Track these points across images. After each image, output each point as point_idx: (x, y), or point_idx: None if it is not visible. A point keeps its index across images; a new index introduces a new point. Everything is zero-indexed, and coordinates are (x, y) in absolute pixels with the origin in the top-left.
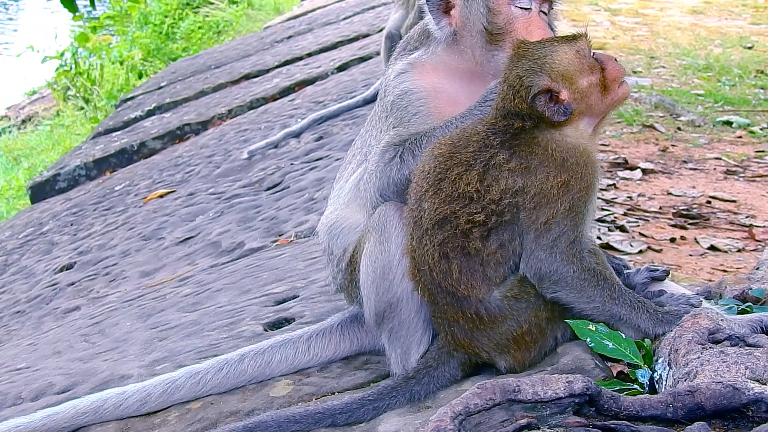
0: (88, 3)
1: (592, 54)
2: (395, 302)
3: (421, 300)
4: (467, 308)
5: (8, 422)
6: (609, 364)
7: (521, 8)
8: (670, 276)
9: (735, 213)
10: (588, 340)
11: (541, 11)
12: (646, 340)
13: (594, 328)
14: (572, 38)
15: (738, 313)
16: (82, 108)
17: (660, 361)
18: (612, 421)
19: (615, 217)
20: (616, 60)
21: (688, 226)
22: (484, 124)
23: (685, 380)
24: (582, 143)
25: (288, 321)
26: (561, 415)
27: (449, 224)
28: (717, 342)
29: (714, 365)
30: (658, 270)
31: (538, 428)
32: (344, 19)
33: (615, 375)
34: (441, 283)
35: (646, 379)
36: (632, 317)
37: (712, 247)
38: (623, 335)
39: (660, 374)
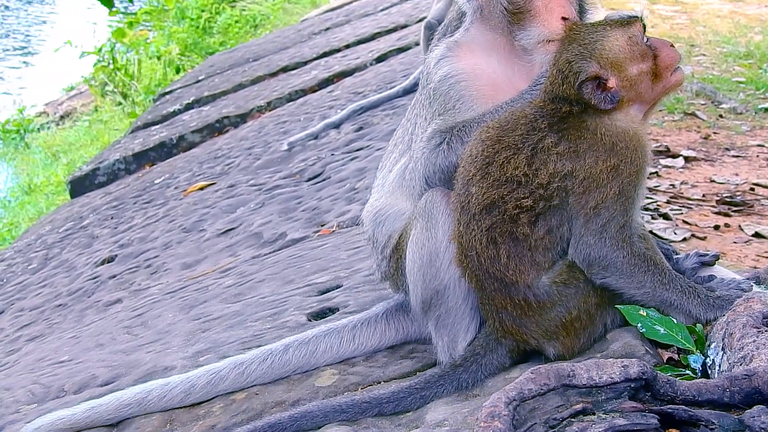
0: None
1: (645, 39)
2: (442, 289)
3: (469, 287)
4: (515, 294)
5: (51, 414)
6: (659, 350)
7: None
8: (719, 261)
9: None
10: (639, 325)
11: None
12: (697, 325)
13: (645, 314)
14: (626, 23)
15: None
16: (120, 103)
17: (713, 346)
18: (669, 406)
19: (658, 205)
20: (672, 45)
21: (732, 213)
22: (532, 108)
23: (741, 364)
24: (632, 127)
25: (332, 311)
26: (617, 400)
27: (497, 209)
28: None
29: None
30: (707, 255)
31: (594, 413)
32: (382, 10)
33: (665, 361)
34: (489, 268)
35: (699, 365)
36: (683, 302)
37: (757, 234)
38: (675, 320)
39: (713, 359)
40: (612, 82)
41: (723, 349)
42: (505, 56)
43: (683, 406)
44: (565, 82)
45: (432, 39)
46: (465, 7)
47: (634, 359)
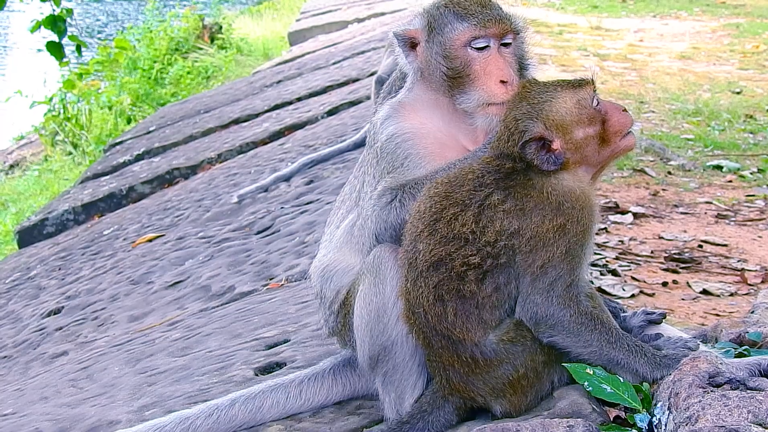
0: (75, 49)
1: (596, 103)
2: (390, 345)
3: (416, 343)
4: (462, 352)
5: None
6: (606, 408)
7: (477, 48)
8: (666, 319)
9: (727, 257)
10: (586, 384)
11: (502, 45)
12: (644, 384)
13: (592, 372)
14: (577, 84)
15: (735, 357)
16: (70, 153)
17: (659, 405)
18: None
19: (607, 261)
20: (624, 110)
21: (680, 270)
22: (480, 163)
23: (687, 424)
24: (579, 187)
25: (279, 365)
26: None
27: (444, 266)
28: (717, 385)
29: (716, 409)
30: (654, 313)
31: None
32: (334, 63)
33: (612, 420)
34: (436, 326)
35: (645, 424)
36: (630, 361)
37: (705, 291)
38: (621, 379)
39: (659, 418)
40: (557, 144)
41: (669, 408)
42: (448, 116)
43: None
44: (510, 140)
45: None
46: (407, 68)
47: (579, 419)
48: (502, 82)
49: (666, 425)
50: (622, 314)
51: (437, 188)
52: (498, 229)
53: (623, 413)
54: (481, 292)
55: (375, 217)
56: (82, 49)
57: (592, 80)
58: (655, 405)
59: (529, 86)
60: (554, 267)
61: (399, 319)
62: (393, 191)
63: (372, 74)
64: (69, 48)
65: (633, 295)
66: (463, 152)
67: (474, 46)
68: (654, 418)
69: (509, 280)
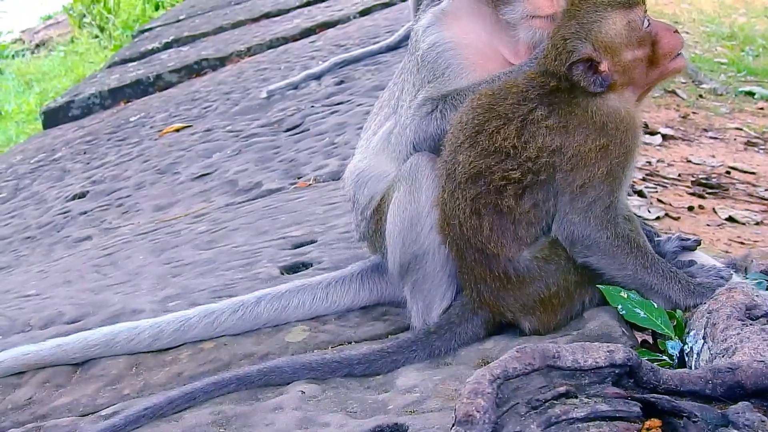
0: None
1: (647, 24)
2: (421, 254)
3: (448, 255)
4: (495, 267)
5: (17, 349)
6: (634, 332)
7: None
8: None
9: (754, 185)
10: (619, 307)
11: None
12: (677, 311)
13: (626, 296)
14: (627, 4)
15: (766, 289)
16: (96, 36)
17: (692, 333)
18: (652, 395)
19: (633, 182)
20: (676, 31)
21: (707, 195)
22: (524, 78)
23: (724, 356)
24: (624, 108)
25: (305, 266)
26: (600, 385)
27: (483, 179)
28: (754, 318)
29: (754, 343)
30: (689, 239)
31: (576, 397)
32: None
33: (640, 344)
34: (470, 239)
35: (677, 351)
36: (664, 287)
37: (730, 218)
38: (655, 305)
39: (691, 347)
40: (604, 66)
41: (704, 338)
42: (491, 27)
43: (667, 396)
44: (557, 59)
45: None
46: None
47: (619, 345)
48: None
49: (699, 354)
50: (656, 239)
51: (480, 100)
52: (540, 145)
53: (651, 338)
54: (518, 208)
55: (414, 127)
56: None
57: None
58: (688, 333)
59: (578, 3)
60: (594, 187)
61: (432, 228)
62: (434, 101)
63: None
64: None
65: (658, 218)
66: (505, 65)
67: None
68: (686, 346)
69: (548, 197)
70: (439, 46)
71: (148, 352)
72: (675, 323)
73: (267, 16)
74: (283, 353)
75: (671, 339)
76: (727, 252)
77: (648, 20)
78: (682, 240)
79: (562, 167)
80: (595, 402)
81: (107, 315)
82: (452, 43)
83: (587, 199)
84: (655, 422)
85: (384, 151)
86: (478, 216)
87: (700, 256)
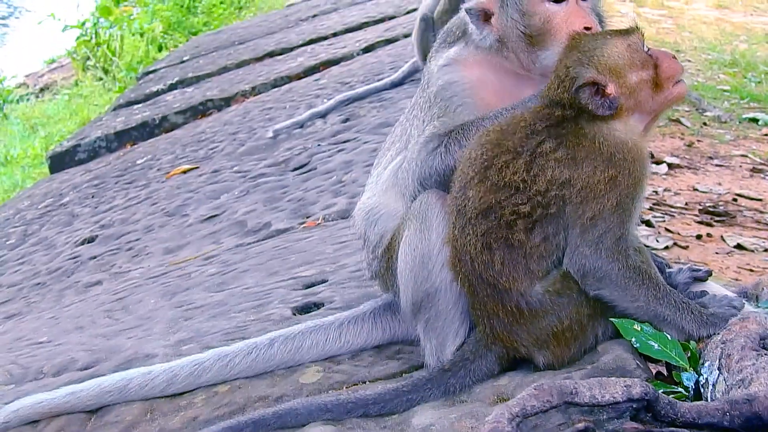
0: None
1: (646, 49)
2: (433, 292)
3: (460, 291)
4: (508, 301)
5: (31, 398)
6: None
7: (555, 2)
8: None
9: (761, 212)
10: (633, 340)
11: (579, 0)
12: (691, 342)
13: (639, 328)
14: (625, 32)
15: None
16: (101, 78)
17: (707, 364)
18: (670, 429)
19: (641, 212)
20: (673, 57)
21: (714, 223)
22: (530, 112)
23: (740, 387)
24: (631, 138)
25: (317, 306)
26: (618, 420)
27: (494, 214)
28: None
29: None
30: (700, 270)
31: None
32: None
33: (654, 376)
34: (482, 274)
35: (692, 383)
36: (676, 318)
37: (739, 246)
38: (669, 336)
39: (706, 378)
40: (611, 89)
41: (719, 369)
42: (514, 75)
43: (685, 430)
44: (561, 87)
45: (427, 32)
46: (481, 42)
47: (636, 379)
48: (587, 28)
49: (714, 386)
50: (667, 270)
51: (488, 136)
52: (549, 178)
53: (665, 369)
54: (529, 242)
55: (420, 162)
56: None
57: (638, 27)
58: (702, 364)
59: (578, 37)
60: (604, 219)
61: (444, 265)
62: (440, 137)
63: (408, 12)
64: None
65: (667, 247)
66: None
67: (552, 0)
68: (701, 378)
69: (558, 230)
70: (456, 85)
71: (163, 397)
72: (689, 354)
73: (271, 55)
74: (297, 395)
75: (686, 371)
76: (737, 280)
77: (647, 46)
78: (694, 271)
79: (572, 200)
80: None
81: (120, 360)
82: (470, 83)
83: (598, 231)
84: None
85: (393, 187)
86: (489, 251)
87: (712, 286)
